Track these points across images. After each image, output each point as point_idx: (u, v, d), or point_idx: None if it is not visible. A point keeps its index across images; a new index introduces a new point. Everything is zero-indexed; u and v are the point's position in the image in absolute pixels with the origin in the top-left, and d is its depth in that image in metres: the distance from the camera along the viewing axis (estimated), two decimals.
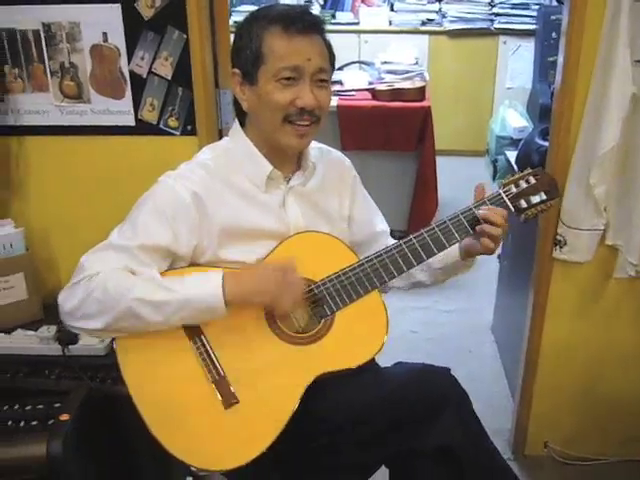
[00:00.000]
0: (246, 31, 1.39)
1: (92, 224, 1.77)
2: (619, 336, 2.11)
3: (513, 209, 1.48)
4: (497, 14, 5.07)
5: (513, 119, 4.69)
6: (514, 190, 1.49)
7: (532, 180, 1.51)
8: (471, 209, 1.46)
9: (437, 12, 5.19)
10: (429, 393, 1.37)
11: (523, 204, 1.50)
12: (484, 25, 5.08)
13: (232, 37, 1.86)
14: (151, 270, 1.35)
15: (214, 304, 1.31)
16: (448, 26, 5.11)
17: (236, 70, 1.43)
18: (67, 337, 1.90)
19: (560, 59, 1.89)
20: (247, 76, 1.40)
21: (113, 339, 1.39)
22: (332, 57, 1.43)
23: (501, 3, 5.06)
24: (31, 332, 1.97)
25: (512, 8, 5.03)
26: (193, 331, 1.37)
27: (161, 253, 1.38)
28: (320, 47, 1.38)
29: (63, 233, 2.15)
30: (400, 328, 2.97)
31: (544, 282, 2.07)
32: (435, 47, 5.17)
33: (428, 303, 3.25)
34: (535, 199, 1.50)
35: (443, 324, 3.12)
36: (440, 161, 3.62)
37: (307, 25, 1.35)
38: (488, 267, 3.03)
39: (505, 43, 5.09)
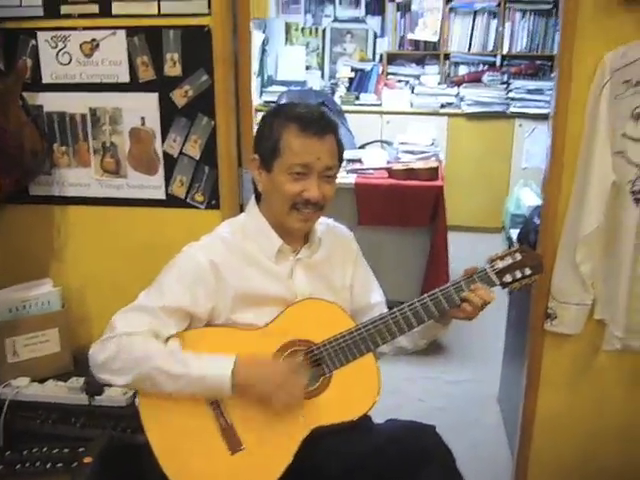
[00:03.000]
0: (268, 124, 1.61)
1: (123, 286, 1.95)
2: (612, 408, 2.22)
3: (498, 282, 1.64)
4: (513, 98, 5.32)
5: (528, 198, 4.87)
6: (500, 265, 1.65)
7: (518, 256, 1.66)
8: (460, 283, 1.63)
9: (455, 96, 5.44)
10: (413, 448, 1.52)
11: (508, 278, 1.64)
12: (500, 109, 5.32)
13: (254, 124, 2.13)
14: (174, 342, 1.54)
15: (221, 388, 1.49)
16: (466, 109, 5.35)
17: (256, 156, 1.64)
18: (93, 388, 2.09)
19: (547, 145, 2.09)
20: (264, 163, 1.61)
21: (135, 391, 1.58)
22: (341, 153, 1.64)
23: (517, 88, 5.31)
24: (61, 383, 2.16)
25: (527, 93, 5.28)
26: None
27: (181, 314, 1.57)
28: (330, 146, 1.58)
29: (96, 293, 2.35)
30: (408, 396, 3.09)
31: (537, 353, 2.21)
32: (454, 128, 5.40)
33: (436, 373, 3.37)
34: (520, 274, 1.66)
35: (450, 394, 3.22)
36: (457, 236, 3.77)
37: (321, 128, 1.56)
38: (495, 339, 3.17)
39: (521, 126, 5.31)
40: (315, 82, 5.78)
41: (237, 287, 1.60)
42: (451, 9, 5.52)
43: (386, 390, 1.61)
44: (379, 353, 1.71)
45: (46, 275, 2.32)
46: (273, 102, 4.87)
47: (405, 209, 3.60)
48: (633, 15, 1.89)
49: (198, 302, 1.57)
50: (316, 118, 1.59)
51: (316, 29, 5.93)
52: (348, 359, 1.59)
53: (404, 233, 3.69)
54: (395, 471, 1.50)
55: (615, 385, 2.20)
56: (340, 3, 5.84)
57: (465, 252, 4.24)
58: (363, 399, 1.59)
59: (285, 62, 5.84)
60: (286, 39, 5.94)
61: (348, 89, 5.71)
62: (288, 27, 5.92)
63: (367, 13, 5.83)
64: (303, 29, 5.94)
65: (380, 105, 5.56)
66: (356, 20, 5.86)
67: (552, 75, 4.90)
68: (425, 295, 1.62)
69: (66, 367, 2.26)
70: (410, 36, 5.61)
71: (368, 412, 1.59)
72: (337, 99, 5.47)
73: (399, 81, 5.67)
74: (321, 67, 5.97)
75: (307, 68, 5.90)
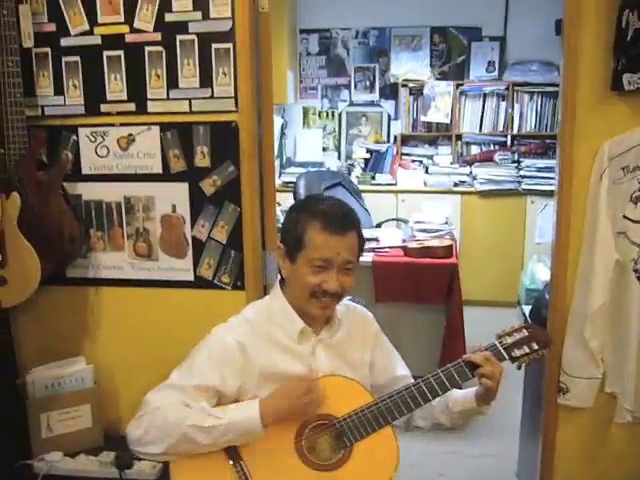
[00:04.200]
0: (294, 218, 1.75)
1: (153, 365, 2.09)
2: (625, 478, 2.27)
3: (507, 357, 1.74)
4: (524, 176, 5.48)
5: (542, 272, 4.96)
6: (509, 341, 1.76)
7: (525, 332, 1.77)
8: (470, 357, 1.73)
9: (468, 175, 5.61)
10: None
11: (517, 353, 1.75)
12: (512, 186, 5.47)
13: (277, 210, 2.28)
14: (201, 402, 1.65)
15: (253, 427, 1.60)
16: (479, 187, 5.51)
17: (281, 245, 1.77)
18: (124, 462, 2.19)
19: (553, 225, 2.22)
20: (289, 254, 1.74)
21: (166, 465, 1.68)
22: (361, 248, 1.76)
23: (527, 167, 5.49)
24: (93, 457, 2.27)
25: (537, 171, 5.44)
26: (234, 458, 1.64)
27: (211, 392, 1.67)
28: (351, 243, 1.71)
29: (126, 371, 2.46)
30: (428, 470, 3.12)
31: (551, 426, 2.28)
32: (467, 205, 5.55)
33: (454, 448, 3.40)
34: (527, 349, 1.76)
35: (470, 468, 3.25)
36: (473, 311, 3.84)
37: (342, 226, 1.69)
38: (512, 414, 3.21)
39: (533, 202, 5.44)
40: (332, 163, 6.00)
41: (263, 366, 1.71)
42: (461, 92, 5.75)
43: (405, 464, 1.70)
44: (416, 429, 1.82)
45: (80, 353, 2.45)
46: (292, 183, 5.06)
47: (421, 286, 3.71)
48: (628, 103, 2.05)
49: (226, 381, 1.68)
50: (339, 216, 1.72)
51: (332, 113, 6.19)
52: (368, 432, 1.67)
53: (420, 310, 3.78)
54: None
55: (628, 456, 2.25)
56: (355, 88, 6.12)
57: (481, 327, 4.27)
58: (383, 470, 1.67)
59: (303, 144, 6.09)
60: (304, 122, 6.20)
61: (364, 169, 5.90)
62: (306, 111, 6.19)
63: (381, 97, 6.09)
64: (320, 113, 6.20)
65: (395, 185, 5.73)
66: (371, 104, 6.12)
67: None
68: (439, 370, 1.72)
69: (97, 442, 2.36)
70: (423, 118, 5.83)
71: None
72: (354, 179, 5.66)
73: (413, 161, 5.87)
74: (337, 149, 6.20)
75: (324, 150, 6.13)
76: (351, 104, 6.16)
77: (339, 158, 6.17)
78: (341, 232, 1.69)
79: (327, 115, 6.21)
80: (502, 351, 1.74)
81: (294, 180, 4.98)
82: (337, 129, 6.20)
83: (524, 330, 1.77)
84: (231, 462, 1.64)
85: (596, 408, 2.22)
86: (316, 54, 6.12)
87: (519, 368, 1.81)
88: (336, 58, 6.11)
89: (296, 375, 1.72)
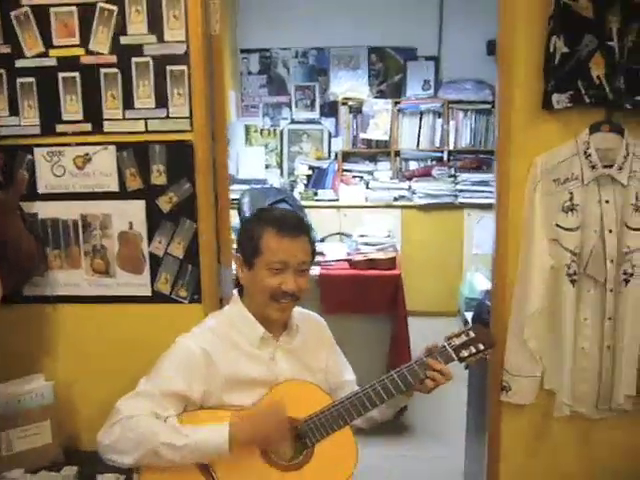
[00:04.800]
0: (250, 228, 1.86)
1: (112, 380, 2.12)
2: (566, 469, 2.41)
3: (456, 357, 1.88)
4: (461, 190, 5.71)
5: (480, 282, 5.17)
6: (457, 342, 1.89)
7: (472, 334, 1.90)
8: (423, 360, 1.85)
9: (407, 189, 5.82)
10: None
11: (464, 353, 1.88)
12: (450, 200, 5.70)
13: (234, 224, 2.36)
14: (173, 419, 1.71)
15: (220, 451, 1.67)
16: (418, 201, 5.72)
17: (238, 255, 1.88)
18: (86, 477, 2.21)
19: (493, 234, 2.38)
20: (246, 261, 1.84)
21: (132, 476, 1.74)
22: (314, 250, 1.89)
23: (463, 181, 5.72)
24: (54, 473, 2.27)
25: (473, 185, 5.68)
26: (204, 465, 1.71)
27: (178, 398, 1.75)
28: (304, 245, 1.84)
29: (86, 387, 2.48)
30: (377, 474, 3.23)
31: (495, 423, 2.41)
32: (407, 219, 5.74)
33: (403, 451, 3.53)
34: (474, 349, 1.89)
35: (417, 470, 3.37)
36: (415, 322, 4.00)
37: (295, 230, 1.82)
38: (457, 416, 3.35)
39: (470, 215, 5.68)
40: (275, 180, 6.11)
41: (226, 372, 1.79)
42: (399, 110, 5.97)
43: None
44: (356, 429, 1.90)
45: (38, 370, 2.46)
46: (236, 199, 5.12)
47: (366, 297, 3.83)
48: (557, 121, 2.22)
49: (192, 387, 1.76)
50: (291, 221, 1.86)
51: (274, 130, 6.32)
52: (328, 432, 1.78)
53: (366, 321, 3.90)
54: None
55: (567, 447, 2.40)
56: (296, 106, 6.26)
57: (424, 336, 4.42)
58: (343, 468, 1.78)
59: (245, 162, 6.17)
60: (246, 140, 6.30)
61: (306, 186, 6.04)
62: (248, 129, 6.30)
63: (322, 115, 6.27)
64: (262, 131, 6.33)
65: (337, 200, 5.89)
66: (312, 121, 6.29)
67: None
68: (392, 371, 1.84)
69: (57, 458, 2.37)
70: (362, 135, 6.02)
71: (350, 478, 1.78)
72: (297, 195, 5.78)
73: (354, 177, 6.04)
74: (280, 165, 6.32)
75: (266, 167, 6.24)
76: (292, 122, 6.31)
77: (281, 175, 6.29)
78: (295, 235, 1.81)
79: (269, 133, 6.33)
80: (451, 352, 1.87)
81: (237, 197, 5.05)
82: (279, 146, 6.33)
83: (470, 332, 1.91)
84: (200, 468, 1.71)
85: (537, 404, 2.36)
86: (257, 73, 6.26)
87: (466, 368, 1.94)
88: (277, 77, 6.25)
89: (263, 384, 1.82)
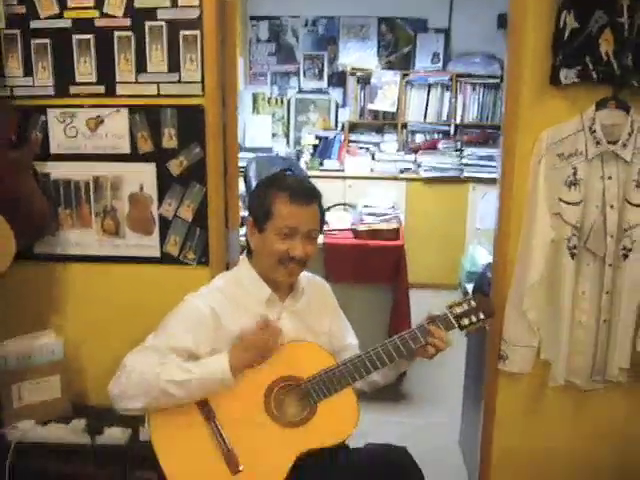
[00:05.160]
0: (262, 192, 1.91)
1: (120, 338, 2.17)
2: (559, 437, 2.48)
3: (457, 325, 1.93)
4: (466, 164, 5.72)
5: (481, 256, 5.20)
6: (458, 311, 1.95)
7: (473, 303, 1.96)
8: (424, 326, 1.91)
9: (413, 162, 5.83)
10: (390, 465, 1.78)
11: (465, 321, 1.94)
12: (455, 174, 5.71)
13: (241, 190, 2.40)
14: (175, 357, 1.78)
15: (224, 377, 1.74)
16: (423, 174, 5.73)
17: (250, 218, 1.93)
18: (94, 429, 2.30)
19: (496, 207, 2.42)
20: (257, 224, 1.89)
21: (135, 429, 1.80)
22: (322, 219, 1.94)
23: (469, 155, 5.73)
24: (63, 425, 2.36)
25: (479, 159, 5.69)
26: (208, 415, 1.78)
27: (185, 354, 1.80)
28: (314, 213, 1.89)
29: (94, 345, 2.56)
30: (377, 440, 3.31)
31: (492, 391, 2.48)
32: (412, 192, 5.75)
33: (400, 418, 3.60)
34: (474, 318, 1.95)
35: (413, 437, 3.41)
36: (417, 293, 4.04)
37: (306, 198, 1.87)
38: (455, 386, 3.42)
39: (474, 189, 5.69)
40: (281, 149, 6.12)
41: (233, 331, 1.85)
42: (407, 82, 5.95)
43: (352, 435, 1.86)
44: (359, 392, 1.95)
45: (48, 327, 2.53)
46: (242, 167, 5.16)
47: (369, 267, 3.88)
48: (564, 96, 2.25)
49: (199, 344, 1.82)
50: (303, 189, 1.91)
51: (282, 99, 6.31)
52: (330, 392, 1.84)
53: (369, 289, 3.96)
54: None
55: (561, 417, 2.47)
56: (304, 75, 6.25)
57: (425, 307, 4.47)
58: (344, 426, 1.84)
59: (252, 130, 6.17)
60: (253, 108, 6.30)
61: (312, 155, 6.05)
62: (255, 97, 6.29)
63: (329, 85, 6.25)
64: (269, 99, 6.32)
65: (343, 171, 5.90)
66: (319, 91, 6.27)
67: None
68: (395, 336, 1.90)
69: (65, 412, 2.46)
70: (370, 106, 6.01)
71: (349, 438, 1.85)
72: (302, 165, 5.80)
73: (360, 148, 6.04)
74: (287, 135, 6.33)
75: (273, 136, 6.24)
76: (300, 91, 6.30)
77: (288, 144, 6.29)
78: (305, 203, 1.86)
79: (276, 101, 6.32)
80: (452, 320, 1.92)
81: (244, 165, 5.08)
82: (286, 115, 6.33)
83: (471, 301, 1.96)
84: (205, 419, 1.78)
85: (533, 374, 2.42)
86: (266, 41, 6.23)
87: (467, 335, 1.99)
88: (286, 45, 6.23)
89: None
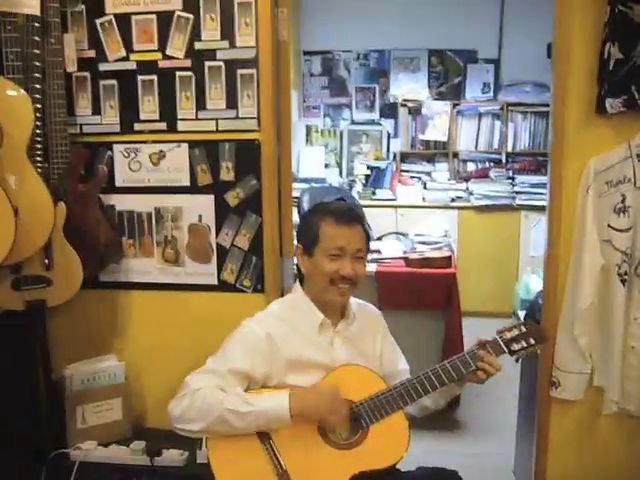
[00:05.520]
0: (309, 219, 2.01)
1: (179, 363, 2.28)
2: (614, 465, 2.46)
3: (507, 350, 1.96)
4: (518, 192, 5.72)
5: (535, 284, 5.18)
6: (508, 336, 1.98)
7: (523, 329, 1.99)
8: (474, 351, 1.95)
9: (465, 190, 5.85)
10: None
11: (515, 347, 1.97)
12: (507, 202, 5.70)
13: (295, 220, 2.50)
14: (237, 388, 1.86)
15: (282, 417, 1.81)
16: (475, 202, 5.75)
17: (299, 245, 2.02)
18: (154, 450, 2.39)
19: (545, 235, 2.45)
20: (307, 250, 1.98)
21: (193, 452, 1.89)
22: (368, 239, 2.02)
23: (521, 183, 5.73)
24: (123, 447, 2.46)
25: (531, 187, 5.69)
26: (264, 437, 1.85)
27: (242, 377, 1.89)
28: (359, 233, 1.97)
29: (154, 369, 2.67)
30: None
31: (545, 418, 2.49)
32: (464, 220, 5.77)
33: (453, 447, 3.59)
34: (525, 343, 1.98)
35: (468, 466, 3.38)
36: (470, 322, 4.04)
37: (349, 219, 1.96)
38: (509, 413, 3.41)
39: (527, 217, 5.67)
40: (334, 179, 6.23)
41: (288, 355, 1.93)
42: (458, 112, 6.01)
43: (405, 462, 1.89)
44: (410, 417, 2.00)
45: (110, 351, 2.66)
46: (296, 197, 5.27)
47: (422, 295, 3.91)
48: (610, 125, 2.29)
49: (256, 367, 1.90)
50: (346, 211, 2.01)
51: (334, 131, 6.45)
52: (382, 415, 1.89)
53: (422, 317, 3.99)
54: None
55: (615, 445, 2.46)
56: (357, 107, 6.38)
57: (478, 335, 4.49)
58: (396, 450, 1.89)
59: (306, 161, 6.31)
60: (307, 140, 6.45)
61: (365, 185, 6.13)
62: (309, 129, 6.44)
63: (381, 116, 6.35)
64: (322, 131, 6.46)
65: (395, 200, 5.96)
66: (371, 122, 6.38)
67: None
68: (445, 361, 1.94)
69: (125, 434, 2.56)
70: (421, 136, 6.09)
71: (399, 461, 1.89)
72: (355, 194, 5.89)
73: (412, 177, 6.10)
74: (339, 165, 6.44)
75: (326, 166, 6.37)
76: (352, 123, 6.42)
77: (340, 174, 6.40)
78: (349, 224, 1.96)
79: (329, 133, 6.46)
80: (502, 345, 1.96)
81: (298, 195, 5.20)
82: (339, 146, 6.45)
83: (522, 327, 1.99)
84: (261, 442, 1.85)
85: (586, 400, 2.42)
86: (319, 75, 6.39)
87: (517, 361, 2.03)
88: (338, 79, 6.38)
89: (321, 367, 1.94)
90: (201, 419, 1.81)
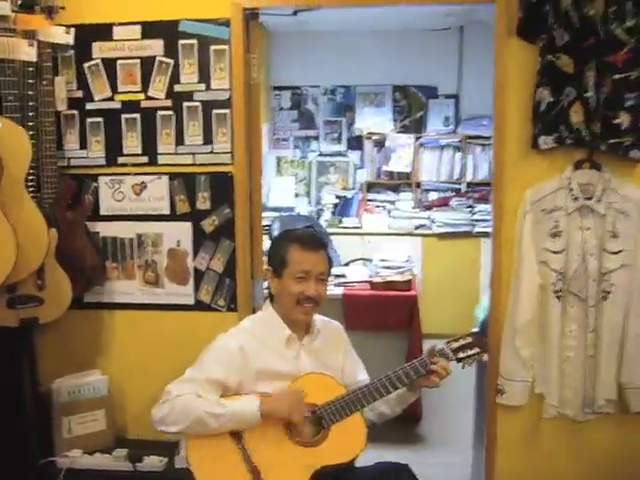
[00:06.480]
0: (278, 244, 2.26)
1: (158, 377, 2.40)
2: (556, 463, 2.71)
3: (453, 357, 2.21)
4: (477, 220, 6.02)
5: None
6: (455, 345, 2.23)
7: (469, 339, 2.24)
8: (424, 359, 2.20)
9: (427, 219, 6.15)
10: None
11: (461, 355, 2.22)
12: (467, 229, 5.99)
13: (264, 245, 2.75)
14: (212, 395, 2.09)
15: (253, 416, 2.04)
16: (437, 230, 6.05)
17: (269, 267, 2.27)
18: (135, 457, 2.60)
19: (490, 259, 2.74)
20: (276, 272, 2.23)
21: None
22: (330, 263, 2.27)
23: (480, 211, 6.04)
24: (107, 454, 2.66)
25: (489, 215, 5.99)
26: (237, 438, 2.08)
27: (217, 385, 2.12)
28: (323, 258, 2.22)
29: (135, 383, 2.88)
30: None
31: (492, 423, 2.74)
32: (427, 247, 6.03)
33: (412, 457, 3.78)
34: (470, 351, 2.23)
35: (428, 476, 3.62)
36: (433, 343, 4.27)
37: (316, 246, 2.21)
38: (466, 426, 3.64)
39: (485, 243, 5.93)
40: (303, 208, 6.48)
41: (258, 366, 2.16)
42: (421, 144, 6.34)
43: None
44: (369, 421, 2.23)
45: (94, 367, 2.87)
46: (267, 226, 5.51)
47: (385, 316, 4.15)
48: (544, 159, 2.59)
49: (230, 377, 2.13)
50: (311, 238, 2.26)
51: (303, 162, 6.72)
52: (342, 416, 2.12)
53: (385, 337, 4.21)
54: None
55: (557, 445, 2.71)
56: (324, 139, 6.68)
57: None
58: (354, 446, 2.12)
59: (276, 191, 6.55)
60: (277, 170, 6.71)
61: (333, 214, 6.40)
62: (279, 160, 6.70)
63: (348, 148, 6.65)
64: (292, 162, 6.74)
65: (361, 227, 6.23)
66: (338, 154, 6.67)
67: None
68: (398, 367, 2.19)
69: (109, 443, 2.77)
70: (386, 167, 6.38)
71: (357, 457, 2.13)
72: (323, 223, 6.14)
73: (377, 206, 6.37)
74: (308, 195, 6.69)
75: (296, 195, 6.60)
76: (320, 154, 6.70)
77: (309, 203, 6.65)
78: (315, 249, 2.21)
79: (298, 164, 6.73)
80: (450, 353, 2.21)
81: (269, 223, 5.44)
82: (308, 177, 6.72)
83: (467, 337, 2.25)
84: (235, 443, 2.08)
85: (528, 406, 2.68)
86: (288, 108, 6.69)
87: (463, 367, 2.28)
88: (306, 112, 6.68)
89: (288, 377, 2.17)
90: (180, 422, 2.04)
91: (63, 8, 2.65)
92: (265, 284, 2.74)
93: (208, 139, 2.75)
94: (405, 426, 4.02)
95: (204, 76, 2.72)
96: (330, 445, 2.11)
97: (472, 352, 2.23)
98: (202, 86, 2.72)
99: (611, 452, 2.69)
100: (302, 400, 2.11)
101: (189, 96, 2.74)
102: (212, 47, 2.70)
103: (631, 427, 2.66)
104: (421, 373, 2.17)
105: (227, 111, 2.71)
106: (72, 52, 2.76)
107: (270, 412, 2.07)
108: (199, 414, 2.02)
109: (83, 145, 2.82)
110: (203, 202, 2.78)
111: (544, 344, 2.63)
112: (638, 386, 2.58)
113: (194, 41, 2.70)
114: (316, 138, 6.70)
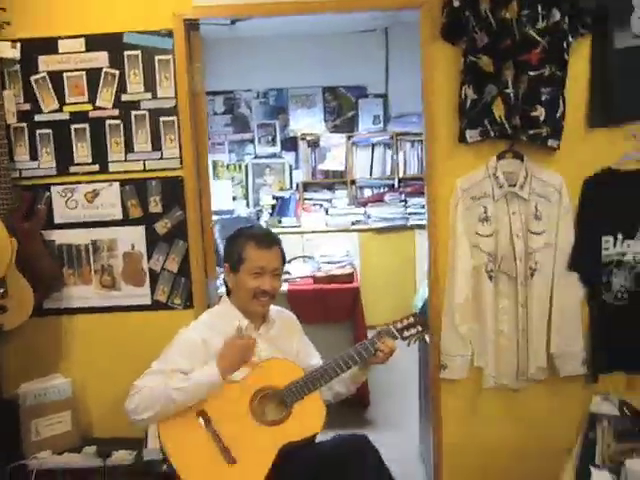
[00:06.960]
0: (234, 242, 2.41)
1: (120, 377, 2.56)
2: (498, 432, 2.94)
3: (399, 336, 2.42)
4: (411, 213, 6.30)
5: None
6: (399, 325, 2.44)
7: (412, 319, 2.46)
8: (373, 339, 2.40)
9: (363, 214, 6.39)
10: (350, 449, 2.25)
11: (405, 333, 2.43)
12: (401, 223, 6.27)
13: (218, 245, 2.88)
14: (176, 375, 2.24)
15: (215, 380, 2.22)
16: (373, 225, 6.29)
17: (226, 264, 2.42)
18: (104, 453, 2.70)
19: (427, 246, 2.96)
20: (232, 268, 2.39)
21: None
22: (284, 259, 2.44)
23: (413, 205, 6.31)
24: (76, 453, 2.76)
25: (422, 208, 6.23)
26: (206, 421, 2.23)
27: (182, 375, 2.26)
28: (277, 254, 2.40)
29: (97, 384, 2.98)
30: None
31: (437, 396, 2.96)
32: (364, 241, 6.26)
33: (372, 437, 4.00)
34: (414, 330, 2.44)
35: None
36: (374, 333, 4.49)
37: (270, 243, 2.38)
38: (414, 410, 3.83)
39: (420, 234, 6.22)
40: (242, 210, 6.63)
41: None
42: (353, 143, 6.57)
43: None
44: (326, 401, 2.39)
45: (57, 371, 2.96)
46: None
47: (330, 308, 4.33)
48: (471, 151, 2.81)
49: (194, 366, 2.27)
50: (266, 235, 2.43)
51: (239, 165, 6.86)
52: (302, 396, 2.29)
53: (331, 328, 4.38)
54: (339, 466, 2.20)
55: (497, 412, 2.95)
56: (259, 142, 6.83)
57: None
58: (315, 422, 2.30)
59: (214, 194, 6.61)
60: (214, 175, 6.81)
61: (271, 214, 6.57)
62: (215, 164, 6.82)
63: (282, 150, 6.83)
64: (228, 165, 6.86)
65: (300, 226, 6.42)
66: (274, 156, 6.85)
67: None
68: (350, 348, 2.38)
69: (76, 443, 2.86)
70: (320, 167, 6.60)
71: (318, 433, 2.30)
72: (263, 224, 6.30)
73: (314, 205, 6.58)
74: (246, 197, 6.84)
75: (234, 199, 6.75)
76: (256, 157, 6.86)
77: (248, 205, 6.80)
78: (269, 246, 2.37)
79: (235, 167, 6.86)
80: (395, 332, 2.41)
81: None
82: (244, 179, 6.86)
83: (411, 317, 2.47)
84: (205, 424, 2.23)
85: (469, 379, 2.91)
86: (222, 113, 6.81)
87: (408, 345, 2.48)
88: (240, 116, 6.82)
89: (247, 363, 2.32)
90: (152, 407, 2.18)
91: (9, 23, 2.74)
92: (219, 281, 2.89)
93: (157, 145, 2.88)
94: (354, 411, 4.21)
95: (150, 85, 2.85)
96: (294, 422, 2.27)
97: (415, 330, 2.44)
98: (148, 95, 2.85)
99: (544, 414, 2.94)
100: (247, 344, 2.31)
101: (136, 105, 2.86)
102: (157, 57, 2.83)
103: (561, 391, 2.92)
104: (371, 352, 2.36)
105: (174, 118, 2.85)
106: (18, 66, 2.84)
107: (227, 364, 2.25)
108: (167, 392, 2.17)
109: (34, 156, 2.90)
110: (155, 206, 2.91)
111: (480, 320, 2.86)
112: (565, 353, 2.84)
113: (138, 52, 2.83)
114: (251, 141, 6.85)
